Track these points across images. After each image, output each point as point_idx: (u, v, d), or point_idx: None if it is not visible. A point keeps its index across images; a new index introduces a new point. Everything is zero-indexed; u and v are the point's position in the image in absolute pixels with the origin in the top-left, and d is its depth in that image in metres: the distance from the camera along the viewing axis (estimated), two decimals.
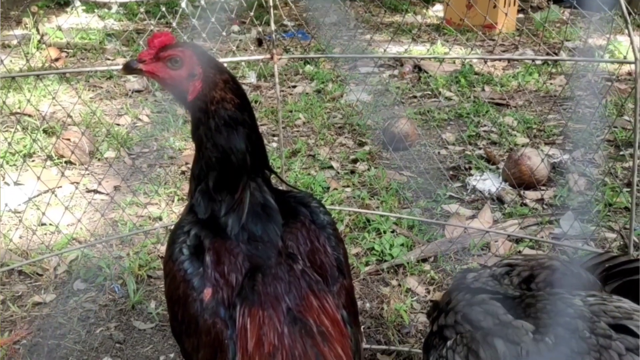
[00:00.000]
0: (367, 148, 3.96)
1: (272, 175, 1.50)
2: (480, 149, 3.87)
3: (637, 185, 3.20)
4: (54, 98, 2.78)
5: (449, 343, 1.38)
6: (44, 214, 2.62)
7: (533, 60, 4.74)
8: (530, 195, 3.23)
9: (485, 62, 5.10)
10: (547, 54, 4.63)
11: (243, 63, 4.90)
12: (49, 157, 3.86)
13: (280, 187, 1.61)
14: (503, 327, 1.30)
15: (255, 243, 1.37)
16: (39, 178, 2.43)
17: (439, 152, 3.90)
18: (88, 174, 3.73)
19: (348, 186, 3.48)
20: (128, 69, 1.36)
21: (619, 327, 1.22)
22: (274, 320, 1.26)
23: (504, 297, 1.40)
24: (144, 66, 1.35)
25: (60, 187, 3.51)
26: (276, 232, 1.39)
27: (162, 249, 2.79)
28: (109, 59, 5.98)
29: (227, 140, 1.35)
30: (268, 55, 2.17)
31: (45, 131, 4.22)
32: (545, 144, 3.87)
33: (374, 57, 4.91)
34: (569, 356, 1.21)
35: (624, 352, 1.17)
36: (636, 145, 1.98)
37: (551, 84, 4.90)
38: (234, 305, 1.28)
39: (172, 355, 2.22)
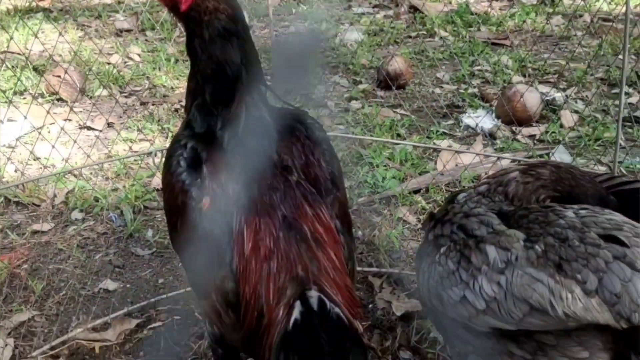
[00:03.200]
0: (361, 87, 3.95)
1: (268, 93, 1.51)
2: (474, 87, 3.87)
3: (623, 122, 3.23)
4: (35, 35, 2.73)
5: (442, 250, 1.43)
6: (30, 151, 2.63)
7: None
8: (523, 131, 3.26)
9: None
10: None
11: None
12: (40, 95, 3.83)
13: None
14: (496, 235, 1.34)
15: (250, 156, 1.40)
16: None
17: (432, 91, 3.90)
18: (80, 111, 3.72)
19: (342, 124, 3.49)
20: None
21: (609, 237, 1.25)
22: (270, 226, 1.30)
23: (499, 212, 1.44)
24: None
25: (53, 123, 3.51)
26: (271, 146, 1.42)
27: (158, 180, 2.82)
28: None
29: (221, 52, 1.35)
30: None
31: (35, 69, 4.16)
32: (540, 82, 3.86)
33: None
34: (557, 264, 1.25)
35: (611, 259, 1.20)
36: (623, 82, 2.02)
37: (547, 23, 4.84)
38: (231, 213, 1.32)
39: (170, 278, 2.29)
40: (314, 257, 1.27)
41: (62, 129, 2.47)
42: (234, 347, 1.48)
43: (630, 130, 3.19)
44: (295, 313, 1.17)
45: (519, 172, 1.52)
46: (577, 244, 1.25)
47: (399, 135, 3.32)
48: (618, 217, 1.31)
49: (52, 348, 1.91)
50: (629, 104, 3.48)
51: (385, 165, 2.98)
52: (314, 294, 1.20)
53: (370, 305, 2.12)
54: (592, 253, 1.23)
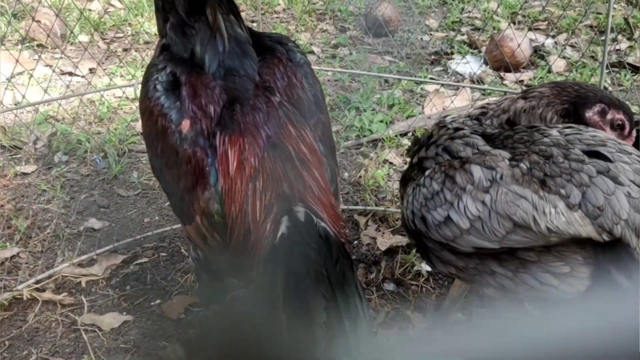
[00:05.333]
0: (349, 33, 3.88)
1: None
2: (463, 34, 3.82)
3: (613, 67, 3.22)
4: None
5: (427, 172, 1.42)
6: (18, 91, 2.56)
7: None
8: (510, 76, 3.23)
9: None
10: None
11: None
12: (20, 41, 3.72)
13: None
14: (481, 155, 1.33)
15: (232, 77, 1.37)
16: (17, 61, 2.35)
17: (421, 38, 3.85)
18: (61, 57, 3.62)
19: (328, 70, 3.44)
20: None
21: (593, 153, 1.26)
22: (254, 146, 1.28)
23: (483, 134, 1.43)
24: None
25: (33, 69, 3.42)
26: (253, 67, 1.39)
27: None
28: None
29: None
30: None
31: (14, 15, 4.03)
32: (530, 29, 3.82)
33: None
34: (541, 180, 1.26)
35: (594, 174, 1.21)
36: (609, 26, 2.01)
37: None
38: (214, 134, 1.30)
39: (156, 217, 2.28)
40: (299, 175, 1.27)
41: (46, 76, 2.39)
42: (218, 272, 1.48)
43: (618, 75, 3.19)
44: (282, 228, 1.18)
45: (522, 100, 1.49)
46: (562, 160, 1.25)
47: (386, 81, 3.29)
48: (602, 134, 1.31)
49: (37, 282, 1.91)
50: (617, 50, 3.47)
51: (372, 110, 2.96)
52: (300, 209, 1.20)
53: (356, 242, 2.14)
54: (575, 169, 1.23)
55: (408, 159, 1.58)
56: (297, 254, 1.10)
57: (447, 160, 1.39)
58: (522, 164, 1.28)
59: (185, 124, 1.32)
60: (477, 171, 1.31)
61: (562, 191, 1.21)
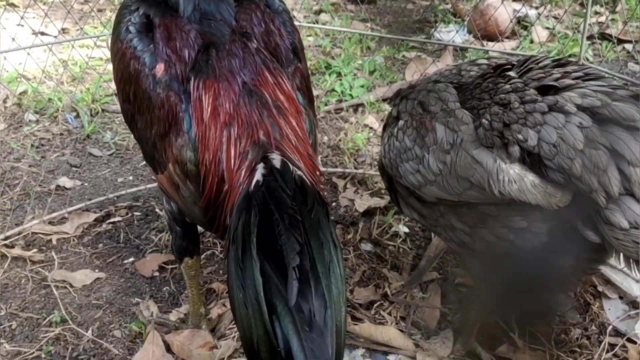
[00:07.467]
0: (331, 0, 3.81)
1: None
2: (447, 3, 3.78)
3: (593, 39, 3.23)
4: None
5: (400, 123, 1.43)
6: None
7: None
8: (493, 46, 3.21)
9: None
10: None
11: None
12: None
13: None
14: (447, 114, 1.34)
15: (207, 22, 1.32)
16: None
17: (405, 7, 3.79)
18: (34, 17, 3.49)
19: (310, 35, 3.38)
20: None
21: (545, 87, 1.26)
22: (230, 92, 1.24)
23: (458, 85, 1.42)
24: None
25: (5, 28, 3.29)
26: (229, 12, 1.34)
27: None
28: None
29: None
30: None
31: None
32: (513, 0, 3.80)
33: None
34: (500, 131, 1.26)
35: (546, 109, 1.22)
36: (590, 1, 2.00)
37: None
38: (188, 79, 1.26)
39: (130, 177, 2.23)
40: (275, 123, 1.23)
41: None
42: (191, 225, 1.45)
43: (599, 46, 3.19)
44: (257, 175, 1.14)
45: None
46: (517, 106, 1.26)
47: (368, 48, 3.24)
48: (548, 60, 1.33)
49: (6, 238, 1.86)
50: (599, 22, 3.47)
51: (354, 75, 2.92)
52: (276, 157, 1.17)
53: (334, 204, 2.12)
54: (529, 110, 1.24)
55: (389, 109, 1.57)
56: (270, 202, 1.07)
57: (419, 114, 1.39)
58: (483, 119, 1.29)
59: (160, 68, 1.27)
60: (440, 131, 1.33)
61: (520, 136, 1.22)
